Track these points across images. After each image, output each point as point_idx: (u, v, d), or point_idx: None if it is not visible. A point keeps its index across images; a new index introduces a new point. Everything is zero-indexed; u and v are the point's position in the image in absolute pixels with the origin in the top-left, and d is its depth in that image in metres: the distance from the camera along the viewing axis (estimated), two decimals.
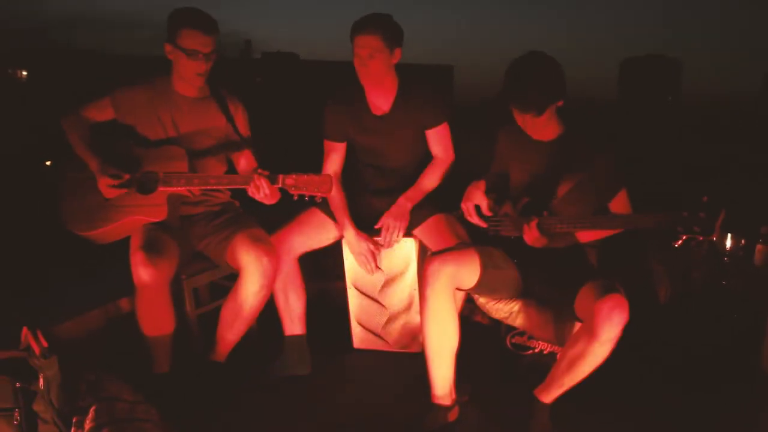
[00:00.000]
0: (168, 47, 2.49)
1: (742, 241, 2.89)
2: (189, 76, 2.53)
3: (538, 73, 2.12)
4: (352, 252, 2.77)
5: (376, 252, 2.73)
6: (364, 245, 2.71)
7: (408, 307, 2.83)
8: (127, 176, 2.45)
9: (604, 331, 1.93)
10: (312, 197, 2.36)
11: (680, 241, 1.90)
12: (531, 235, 2.17)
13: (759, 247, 2.79)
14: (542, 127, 2.26)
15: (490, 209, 2.40)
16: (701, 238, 1.87)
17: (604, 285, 2.00)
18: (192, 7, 2.51)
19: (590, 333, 1.96)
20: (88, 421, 1.94)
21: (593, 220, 2.16)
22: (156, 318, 2.44)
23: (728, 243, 2.91)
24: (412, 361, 2.78)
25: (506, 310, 2.38)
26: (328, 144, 2.82)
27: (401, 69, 2.73)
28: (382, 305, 2.87)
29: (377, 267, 2.77)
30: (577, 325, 2.17)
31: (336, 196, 2.73)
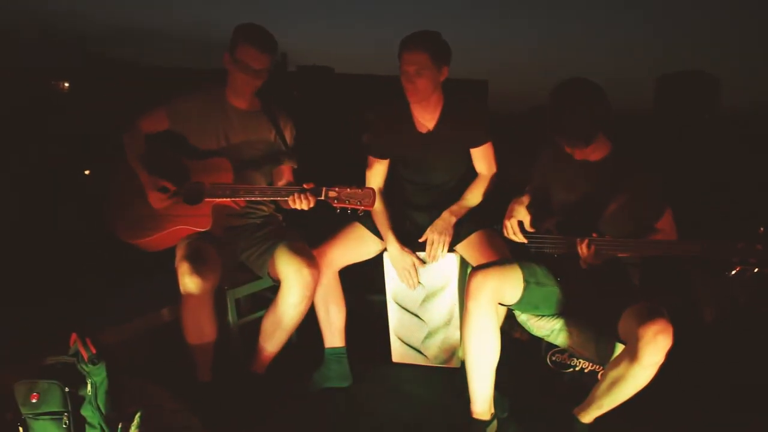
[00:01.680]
0: (226, 57, 2.57)
1: None
2: (239, 88, 2.60)
3: (583, 106, 2.10)
4: (395, 266, 2.77)
5: (418, 266, 2.74)
6: (407, 260, 2.72)
7: (448, 323, 2.82)
8: (174, 189, 2.50)
9: (647, 355, 1.90)
10: (354, 210, 2.37)
11: (735, 272, 1.87)
12: (587, 255, 2.12)
13: None
14: (590, 151, 2.24)
15: (533, 225, 2.39)
16: (757, 270, 1.84)
17: (650, 308, 1.97)
18: (256, 24, 2.58)
19: (633, 356, 1.93)
20: (132, 428, 1.98)
21: (646, 245, 2.11)
22: (200, 327, 2.48)
23: None
24: (451, 377, 2.78)
25: (548, 327, 2.35)
26: (371, 159, 2.83)
27: None
28: (422, 320, 2.86)
29: (419, 282, 2.78)
30: (620, 346, 2.15)
31: (380, 210, 2.75)
